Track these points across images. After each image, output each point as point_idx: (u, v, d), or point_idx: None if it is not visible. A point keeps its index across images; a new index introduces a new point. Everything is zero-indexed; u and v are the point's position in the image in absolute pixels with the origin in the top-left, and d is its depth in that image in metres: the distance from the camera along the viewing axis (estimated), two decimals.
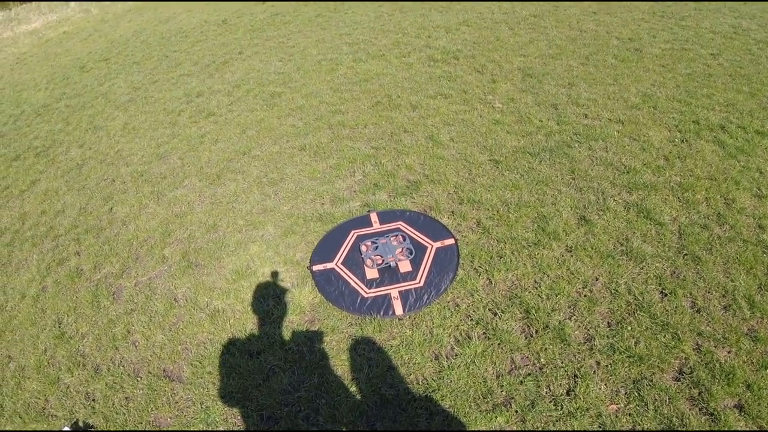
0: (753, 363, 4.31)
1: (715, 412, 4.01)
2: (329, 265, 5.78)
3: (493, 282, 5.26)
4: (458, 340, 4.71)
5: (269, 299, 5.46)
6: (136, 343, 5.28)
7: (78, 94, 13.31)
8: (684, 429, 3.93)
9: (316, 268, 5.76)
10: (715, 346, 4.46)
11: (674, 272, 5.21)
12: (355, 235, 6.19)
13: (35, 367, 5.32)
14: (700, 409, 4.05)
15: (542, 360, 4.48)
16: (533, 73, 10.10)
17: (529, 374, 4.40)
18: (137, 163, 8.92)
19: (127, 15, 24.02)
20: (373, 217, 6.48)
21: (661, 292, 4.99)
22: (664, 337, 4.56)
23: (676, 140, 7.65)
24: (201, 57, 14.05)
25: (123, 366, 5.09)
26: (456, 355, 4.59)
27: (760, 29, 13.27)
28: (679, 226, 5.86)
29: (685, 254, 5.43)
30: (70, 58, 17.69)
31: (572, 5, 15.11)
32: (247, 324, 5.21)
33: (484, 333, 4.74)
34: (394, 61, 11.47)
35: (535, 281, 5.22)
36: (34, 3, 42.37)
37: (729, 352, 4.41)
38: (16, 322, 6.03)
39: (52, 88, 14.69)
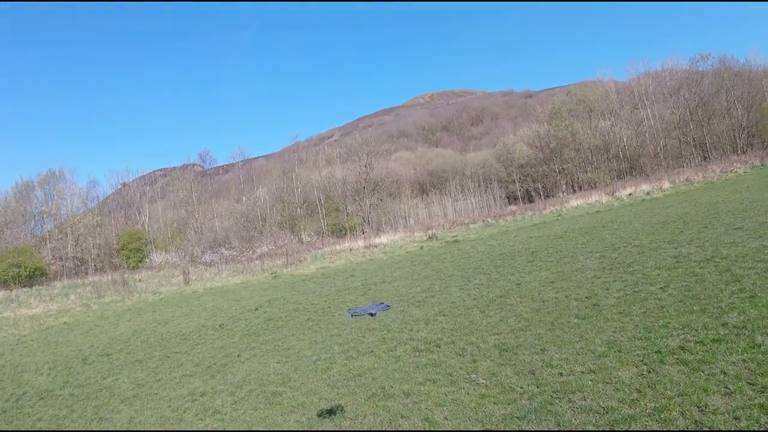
0: None
1: None
2: None
3: None
4: None
5: None
6: None
7: (81, 385, 13.50)
8: None
9: None
10: None
11: None
12: None
13: None
14: None
15: None
16: (508, 347, 10.74)
17: None
18: None
19: (126, 314, 24.80)
20: None
21: None
22: None
23: (644, 372, 8.22)
24: (202, 359, 14.49)
25: None
26: None
27: (699, 251, 14.42)
28: None
29: None
30: (72, 348, 18.05)
31: (532, 279, 16.23)
32: None
33: None
34: (383, 355, 12.01)
35: None
36: (34, 288, 43.22)
37: None
38: None
39: (54, 375, 14.90)
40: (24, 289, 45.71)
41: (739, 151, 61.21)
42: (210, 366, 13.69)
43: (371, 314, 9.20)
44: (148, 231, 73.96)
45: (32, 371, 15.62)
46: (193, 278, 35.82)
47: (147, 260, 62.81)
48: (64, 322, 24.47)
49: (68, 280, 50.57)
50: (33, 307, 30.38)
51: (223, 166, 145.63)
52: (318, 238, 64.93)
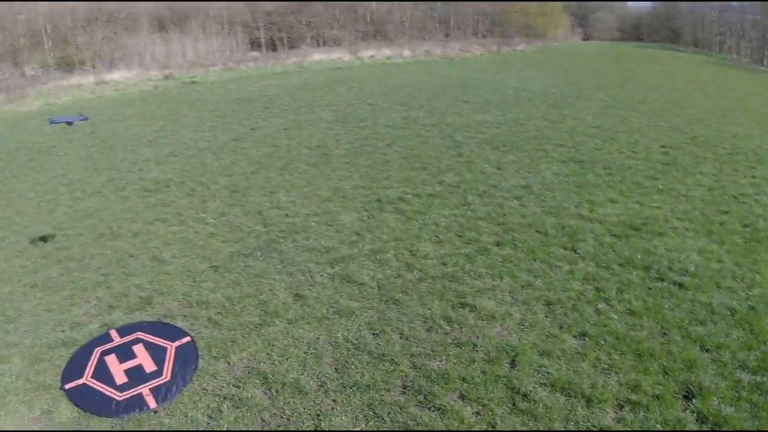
0: (462, 362, 5.50)
1: (442, 407, 5.14)
2: (80, 382, 6.00)
3: (231, 363, 5.95)
4: (211, 416, 5.27)
5: (29, 422, 5.54)
6: None
7: None
8: (419, 427, 4.92)
9: (68, 386, 5.94)
10: (428, 360, 5.59)
11: (380, 317, 6.40)
12: (99, 351, 6.49)
13: None
14: (428, 408, 5.15)
15: (287, 412, 5.23)
16: (238, 188, 11.12)
17: (279, 426, 5.10)
18: None
19: None
20: (113, 333, 6.81)
21: (373, 333, 6.09)
22: (383, 365, 5.59)
23: (364, 218, 9.12)
24: None
25: None
26: (212, 427, 5.14)
27: (427, 116, 15.74)
28: (377, 281, 7.17)
29: (386, 300, 6.71)
30: None
31: (267, 126, 16.54)
32: None
33: (232, 404, 5.36)
34: (111, 195, 11.76)
35: (267, 353, 6.03)
36: None
37: (440, 361, 5.55)
38: None
39: None
40: None
41: (480, 36, 64.71)
42: None
43: (68, 123, 8.93)
44: None
45: None
46: None
47: None
48: None
49: None
50: None
51: None
52: (43, 72, 58.50)
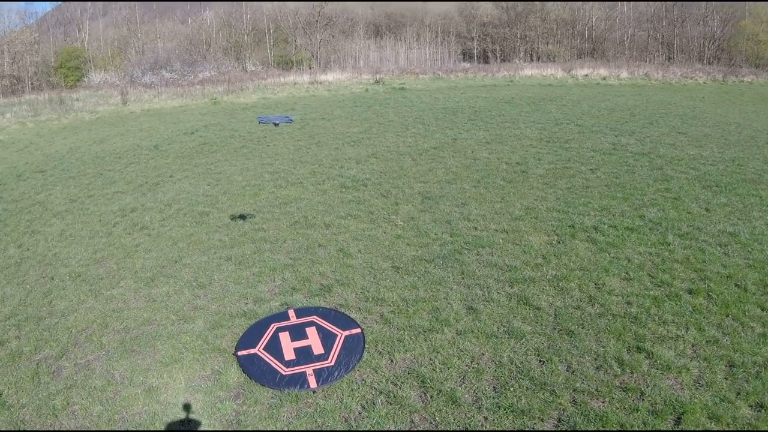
0: (625, 408, 5.10)
1: None
2: (252, 351, 6.28)
3: (394, 361, 5.91)
4: (364, 407, 5.26)
5: (199, 378, 5.87)
6: (75, 413, 5.53)
7: (15, 200, 13.46)
8: None
9: (240, 353, 6.24)
10: (590, 398, 5.22)
11: (550, 345, 6.05)
12: (275, 327, 6.76)
13: None
14: None
15: (437, 419, 5.09)
16: (431, 196, 11.16)
17: (426, 430, 4.98)
18: (75, 265, 9.19)
19: (61, 132, 24.24)
20: (291, 313, 7.08)
21: (540, 360, 5.79)
22: (543, 394, 5.29)
23: (554, 242, 8.74)
24: (134, 177, 14.51)
25: None
26: (363, 418, 5.13)
27: (638, 144, 14.94)
28: (555, 309, 6.80)
29: (560, 329, 6.33)
30: (6, 165, 17.78)
31: (469, 137, 16.55)
32: (179, 397, 5.59)
33: (386, 400, 5.32)
34: (311, 187, 12.32)
35: (430, 359, 5.91)
36: None
37: (602, 402, 5.17)
38: None
39: None
40: None
41: (705, 61, 58.75)
42: (142, 184, 13.76)
43: (275, 124, 9.38)
44: (88, 50, 70.16)
45: None
46: (132, 99, 34.83)
47: (85, 79, 60.04)
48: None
49: (4, 99, 48.02)
50: None
51: None
52: (263, 69, 63.09)
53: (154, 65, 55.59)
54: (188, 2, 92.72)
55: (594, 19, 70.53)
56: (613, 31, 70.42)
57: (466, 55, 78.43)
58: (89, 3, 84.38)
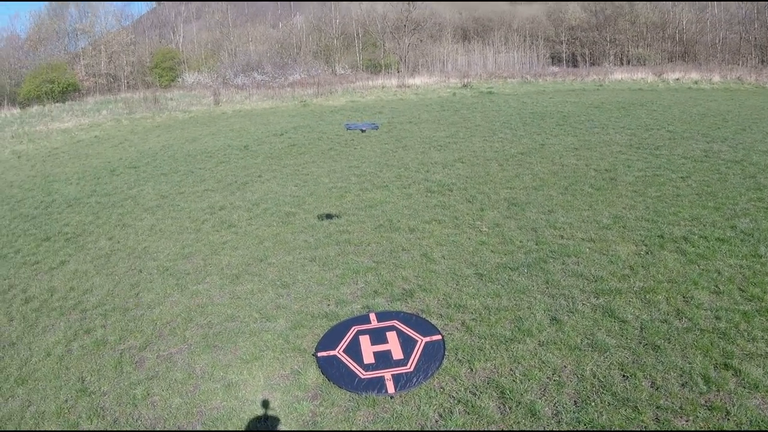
0: (709, 427, 4.81)
1: None
2: (332, 353, 6.26)
3: (473, 370, 5.75)
4: (441, 415, 5.14)
5: (278, 377, 5.89)
6: (155, 404, 5.64)
7: (108, 194, 14.05)
8: None
9: (320, 354, 6.23)
10: (673, 416, 4.94)
11: (635, 359, 5.76)
12: (356, 330, 6.72)
13: (55, 413, 5.66)
14: None
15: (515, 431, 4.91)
16: (517, 202, 10.92)
17: None
18: (163, 259, 9.45)
19: (155, 130, 25.14)
20: (372, 316, 7.02)
21: (623, 375, 5.52)
22: (625, 410, 5.03)
23: (642, 252, 8.36)
24: (224, 176, 14.87)
25: (140, 421, 5.44)
26: (439, 426, 5.01)
27: (730, 150, 14.23)
28: (641, 322, 6.47)
29: (646, 344, 6.02)
30: (101, 160, 18.56)
31: (557, 143, 16.18)
32: (258, 395, 5.61)
33: (464, 409, 5.17)
34: (396, 191, 12.28)
35: (511, 369, 5.72)
36: (67, 103, 43.50)
37: (686, 420, 4.88)
38: (39, 374, 6.40)
39: (83, 184, 15.48)
40: (57, 104, 45.65)
41: None
42: (231, 183, 14.08)
43: (362, 130, 9.38)
44: (182, 51, 72.72)
45: (62, 181, 16.12)
46: (224, 100, 35.84)
47: (179, 80, 62.14)
48: (95, 136, 24.83)
49: (101, 96, 50.42)
50: (65, 122, 30.43)
51: None
52: (351, 72, 63.68)
53: (245, 67, 57.09)
54: (279, 3, 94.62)
55: (684, 22, 67.91)
56: (704, 33, 67.27)
57: (555, 59, 77.00)
58: (183, 7, 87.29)
